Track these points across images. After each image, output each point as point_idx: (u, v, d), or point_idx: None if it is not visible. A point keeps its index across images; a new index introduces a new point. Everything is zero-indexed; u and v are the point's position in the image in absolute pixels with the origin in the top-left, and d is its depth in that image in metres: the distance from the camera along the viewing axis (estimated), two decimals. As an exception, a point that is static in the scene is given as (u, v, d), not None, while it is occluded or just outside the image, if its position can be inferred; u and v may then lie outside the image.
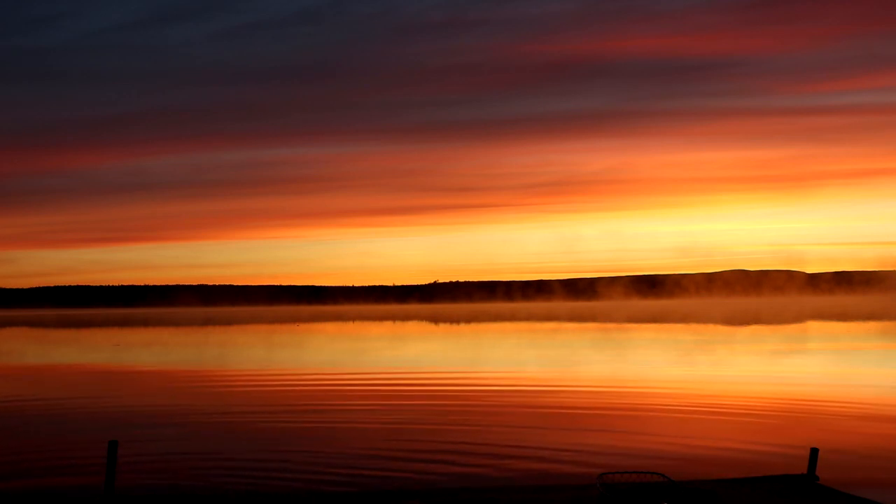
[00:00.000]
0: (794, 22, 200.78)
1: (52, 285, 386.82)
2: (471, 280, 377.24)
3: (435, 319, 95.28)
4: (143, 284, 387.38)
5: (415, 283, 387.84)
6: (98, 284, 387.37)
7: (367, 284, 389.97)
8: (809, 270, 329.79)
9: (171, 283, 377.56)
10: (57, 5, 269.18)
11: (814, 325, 59.17)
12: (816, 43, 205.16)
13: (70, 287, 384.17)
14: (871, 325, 55.82)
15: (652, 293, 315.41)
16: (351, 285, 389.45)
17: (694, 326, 60.58)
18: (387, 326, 74.67)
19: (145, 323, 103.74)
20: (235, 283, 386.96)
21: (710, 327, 59.03)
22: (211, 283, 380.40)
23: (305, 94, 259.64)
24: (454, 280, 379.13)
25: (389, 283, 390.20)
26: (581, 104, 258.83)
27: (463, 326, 70.15)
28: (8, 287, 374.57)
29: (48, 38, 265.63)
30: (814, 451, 8.47)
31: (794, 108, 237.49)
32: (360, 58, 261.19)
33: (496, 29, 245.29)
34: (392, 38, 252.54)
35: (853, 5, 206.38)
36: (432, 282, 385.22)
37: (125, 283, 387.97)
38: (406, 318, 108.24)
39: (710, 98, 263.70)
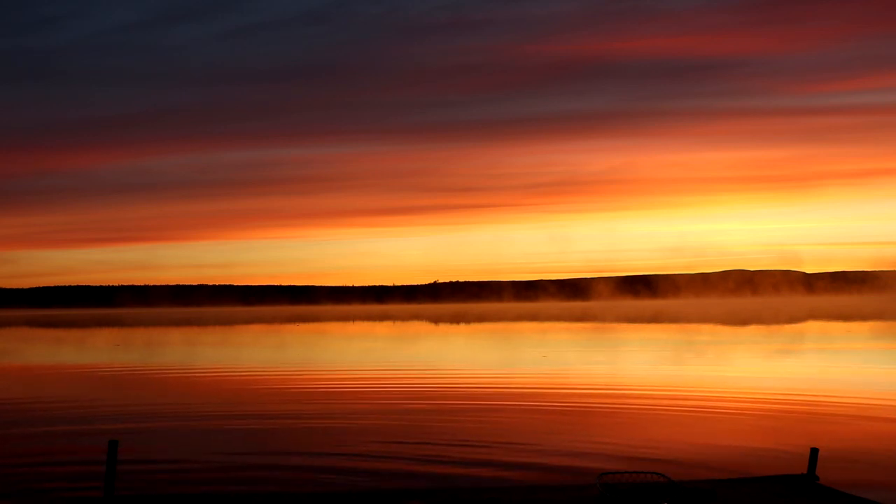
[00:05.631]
0: (796, 22, 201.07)
1: (52, 285, 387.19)
2: (471, 280, 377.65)
3: (435, 319, 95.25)
4: (143, 284, 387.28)
5: (415, 283, 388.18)
6: (98, 284, 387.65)
7: (367, 284, 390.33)
8: (809, 270, 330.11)
9: (171, 283, 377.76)
10: (59, 6, 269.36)
11: (813, 325, 59.15)
12: (819, 43, 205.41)
13: (70, 287, 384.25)
14: (871, 325, 55.81)
15: (652, 293, 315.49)
16: (351, 285, 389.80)
17: (693, 326, 60.57)
18: (387, 326, 74.65)
19: (145, 323, 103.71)
20: (235, 283, 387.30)
21: (710, 327, 59.01)
22: (211, 283, 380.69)
23: (307, 94, 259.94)
24: (454, 280, 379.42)
25: (389, 283, 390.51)
26: (583, 104, 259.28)
27: (463, 326, 70.13)
28: (8, 287, 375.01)
29: (50, 39, 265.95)
30: (814, 451, 8.46)
31: (797, 108, 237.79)
32: (364, 58, 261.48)
33: (500, 29, 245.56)
34: (396, 39, 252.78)
35: (856, 6, 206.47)
36: (432, 282, 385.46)
37: (125, 283, 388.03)
38: (406, 318, 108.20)
39: (713, 98, 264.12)
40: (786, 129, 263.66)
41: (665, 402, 16.84)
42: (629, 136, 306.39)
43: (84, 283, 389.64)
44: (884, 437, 12.57)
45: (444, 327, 69.19)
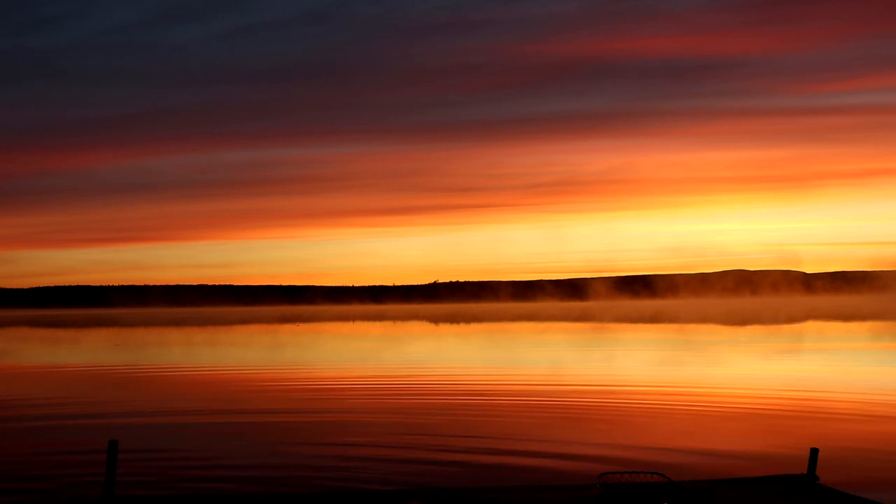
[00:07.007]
0: (797, 22, 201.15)
1: (52, 285, 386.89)
2: (471, 280, 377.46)
3: (435, 319, 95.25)
4: (143, 284, 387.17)
5: (415, 283, 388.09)
6: (98, 284, 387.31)
7: (366, 284, 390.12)
8: (809, 270, 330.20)
9: (171, 283, 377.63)
10: (59, 6, 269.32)
11: (813, 325, 59.16)
12: (819, 43, 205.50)
13: (70, 287, 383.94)
14: (870, 325, 55.81)
15: (651, 293, 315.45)
16: (351, 285, 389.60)
17: (693, 326, 60.58)
18: (386, 326, 74.65)
19: (145, 323, 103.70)
20: (235, 283, 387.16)
21: (709, 327, 59.02)
22: (211, 283, 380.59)
23: (307, 94, 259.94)
24: (454, 280, 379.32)
25: (389, 283, 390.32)
26: (583, 104, 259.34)
27: (462, 326, 70.13)
28: (8, 287, 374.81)
29: (50, 39, 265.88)
30: (814, 451, 8.46)
31: (797, 108, 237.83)
32: (364, 58, 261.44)
33: (500, 29, 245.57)
34: (396, 39, 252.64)
35: (856, 6, 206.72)
36: (432, 282, 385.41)
37: (125, 283, 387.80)
38: (406, 317, 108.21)
39: (713, 98, 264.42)
40: (786, 129, 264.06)
41: (665, 401, 16.84)
42: (629, 136, 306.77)
43: (84, 283, 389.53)
44: (884, 437, 12.58)
45: (443, 327, 69.18)
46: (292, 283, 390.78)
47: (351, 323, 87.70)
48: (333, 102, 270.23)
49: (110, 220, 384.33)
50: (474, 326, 69.52)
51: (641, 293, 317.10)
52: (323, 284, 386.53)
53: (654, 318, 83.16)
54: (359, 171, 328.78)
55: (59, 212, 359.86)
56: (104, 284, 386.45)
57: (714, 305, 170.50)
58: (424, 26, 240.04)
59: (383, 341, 47.60)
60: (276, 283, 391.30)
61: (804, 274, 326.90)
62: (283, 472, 10.44)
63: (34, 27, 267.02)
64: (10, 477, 10.44)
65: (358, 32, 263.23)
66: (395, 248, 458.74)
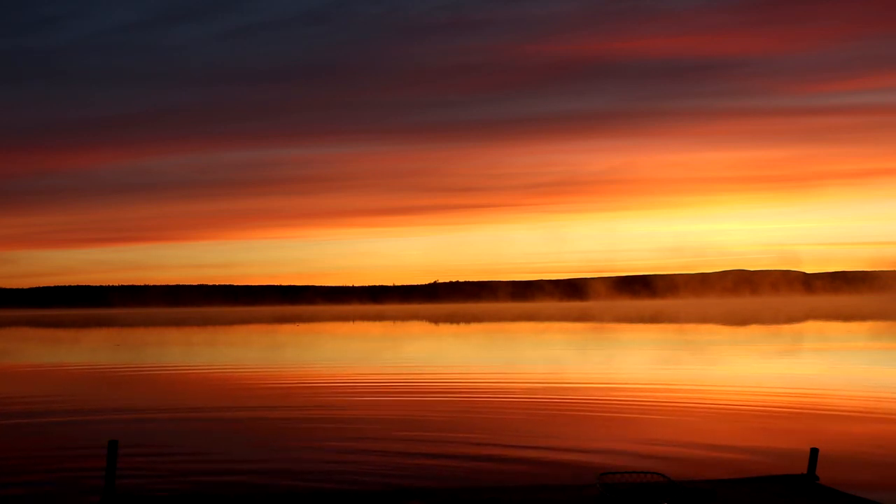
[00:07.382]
0: (797, 22, 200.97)
1: (51, 285, 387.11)
2: (471, 280, 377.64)
3: (435, 319, 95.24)
4: (142, 284, 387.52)
5: (415, 283, 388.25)
6: (98, 284, 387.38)
7: (366, 284, 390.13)
8: (809, 270, 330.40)
9: (170, 283, 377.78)
10: (59, 6, 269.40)
11: (812, 325, 59.16)
12: (819, 43, 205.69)
13: (70, 287, 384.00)
14: (870, 325, 55.82)
15: (651, 293, 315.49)
16: (351, 285, 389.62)
17: (693, 326, 60.58)
18: (386, 326, 74.64)
19: (145, 323, 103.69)
20: (235, 283, 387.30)
21: (709, 327, 59.02)
22: (211, 283, 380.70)
23: (307, 94, 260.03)
24: (454, 280, 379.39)
25: (389, 283, 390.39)
26: (583, 104, 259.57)
27: (462, 326, 70.13)
28: (8, 287, 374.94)
29: (50, 39, 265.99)
30: (814, 451, 8.46)
31: (797, 108, 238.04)
32: (364, 58, 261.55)
33: (500, 29, 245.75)
34: (396, 39, 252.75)
35: (856, 6, 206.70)
36: (432, 282, 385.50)
37: (125, 283, 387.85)
38: (406, 318, 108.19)
39: (713, 98, 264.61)
40: (786, 129, 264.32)
41: (665, 401, 16.84)
42: (629, 136, 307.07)
43: (84, 283, 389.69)
44: (884, 437, 12.58)
45: (443, 327, 69.18)
46: (292, 284, 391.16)
47: (351, 323, 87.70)
48: (333, 102, 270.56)
49: (110, 220, 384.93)
50: (474, 326, 69.51)
51: (641, 293, 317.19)
52: (322, 284, 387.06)
53: (654, 318, 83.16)
54: (359, 171, 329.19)
55: (59, 212, 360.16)
56: (104, 284, 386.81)
57: (714, 305, 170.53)
58: (424, 26, 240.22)
59: (383, 341, 47.60)
60: (275, 284, 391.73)
61: (804, 274, 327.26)
62: (282, 472, 10.44)
63: (34, 27, 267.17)
64: (11, 477, 10.43)
65: (358, 32, 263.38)
66: (395, 248, 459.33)
